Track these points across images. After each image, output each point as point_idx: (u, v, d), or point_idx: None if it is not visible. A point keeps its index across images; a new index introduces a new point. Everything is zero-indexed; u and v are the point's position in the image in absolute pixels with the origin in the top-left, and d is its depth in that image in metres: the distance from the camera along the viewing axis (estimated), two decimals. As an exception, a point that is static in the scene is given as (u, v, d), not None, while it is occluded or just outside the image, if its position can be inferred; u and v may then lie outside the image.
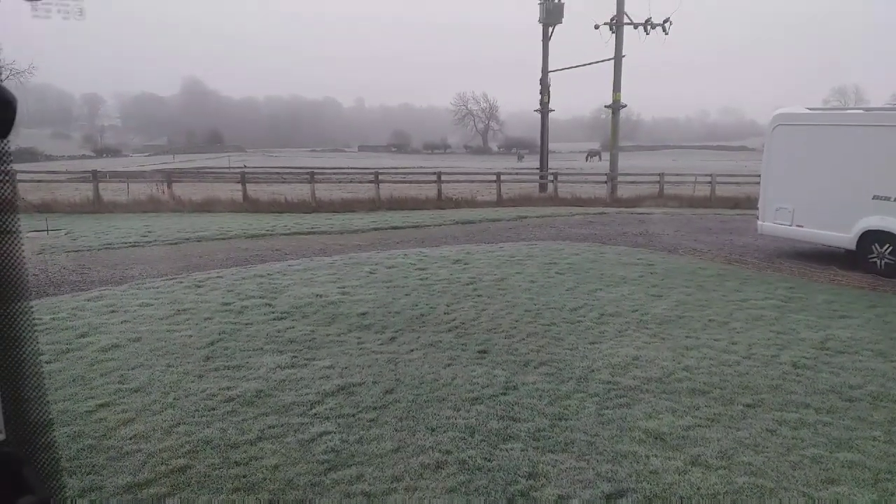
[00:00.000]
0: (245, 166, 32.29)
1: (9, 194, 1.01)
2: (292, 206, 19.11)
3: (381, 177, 21.75)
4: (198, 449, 4.04)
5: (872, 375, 5.46)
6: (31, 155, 58.78)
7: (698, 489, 3.62)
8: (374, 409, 4.68)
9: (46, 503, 1.05)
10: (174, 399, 4.82)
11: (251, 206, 19.08)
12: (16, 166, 1.06)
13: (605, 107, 26.46)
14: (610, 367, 5.59)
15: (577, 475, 3.75)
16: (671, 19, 24.35)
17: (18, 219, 1.04)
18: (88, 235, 13.22)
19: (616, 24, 24.14)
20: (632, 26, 24.39)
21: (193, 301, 7.72)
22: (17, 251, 1.02)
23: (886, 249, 10.16)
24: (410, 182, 23.25)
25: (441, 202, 20.70)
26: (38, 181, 21.41)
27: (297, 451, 4.03)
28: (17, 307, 1.03)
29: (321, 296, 8.01)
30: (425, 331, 6.63)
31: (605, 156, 48.06)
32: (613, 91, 24.47)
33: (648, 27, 24.40)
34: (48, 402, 1.12)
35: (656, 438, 4.24)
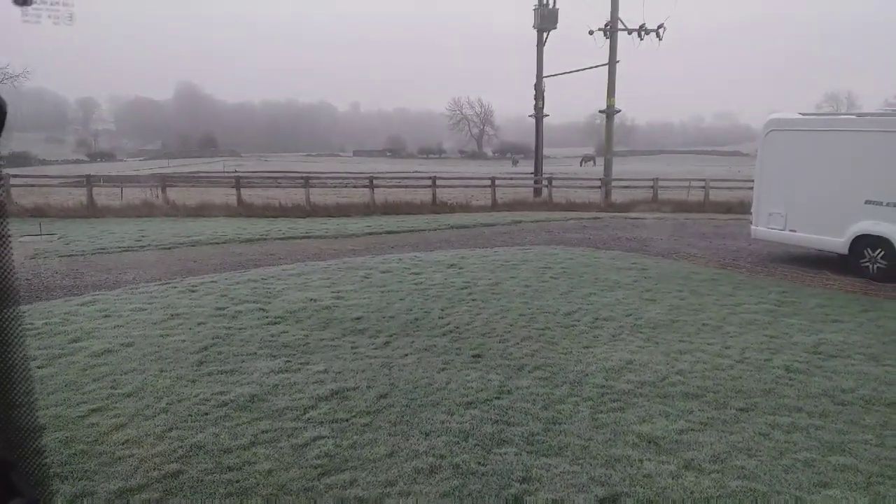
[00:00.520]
0: (236, 171, 32.11)
1: None
2: (287, 211, 19.07)
3: (375, 181, 21.77)
4: (190, 454, 4.03)
5: (865, 379, 5.48)
6: (24, 159, 58.41)
7: (691, 493, 3.63)
8: (368, 413, 4.68)
9: None
10: (167, 404, 4.80)
11: (245, 210, 19.04)
12: (9, 170, 1.05)
13: (600, 112, 26.59)
14: (604, 371, 5.60)
15: (571, 479, 3.75)
16: (665, 25, 24.56)
17: (8, 223, 1.03)
18: (82, 240, 13.17)
19: (610, 30, 24.29)
20: (626, 32, 24.56)
21: (187, 306, 7.69)
22: (5, 256, 1.02)
23: (878, 254, 10.21)
24: (405, 187, 23.26)
25: (436, 207, 20.70)
26: (32, 185, 21.35)
27: (290, 455, 4.02)
28: (6, 313, 1.03)
29: (315, 300, 7.99)
30: (419, 335, 6.63)
31: (600, 160, 47.98)
32: (608, 96, 24.59)
33: (642, 33, 24.56)
34: (37, 407, 1.12)
35: (650, 442, 4.25)
